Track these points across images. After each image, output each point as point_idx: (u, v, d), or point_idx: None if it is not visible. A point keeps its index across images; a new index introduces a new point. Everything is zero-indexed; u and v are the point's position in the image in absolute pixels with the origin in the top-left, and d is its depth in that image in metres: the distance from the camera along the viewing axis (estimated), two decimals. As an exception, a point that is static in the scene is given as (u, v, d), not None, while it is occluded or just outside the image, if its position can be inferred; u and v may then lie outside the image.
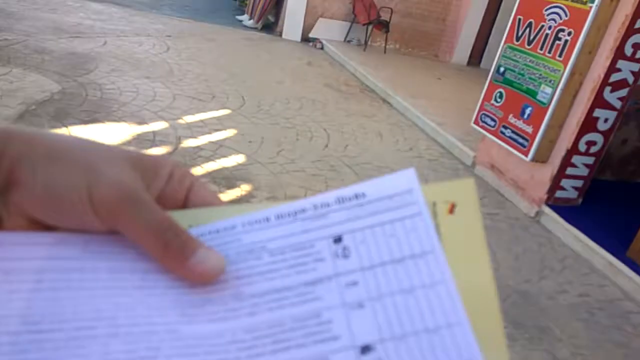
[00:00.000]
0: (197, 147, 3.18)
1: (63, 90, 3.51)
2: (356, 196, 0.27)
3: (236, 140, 3.42)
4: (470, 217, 0.27)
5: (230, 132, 3.52)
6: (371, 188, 0.27)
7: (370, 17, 7.28)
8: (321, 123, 4.18)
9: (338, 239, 0.27)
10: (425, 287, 0.25)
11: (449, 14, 8.29)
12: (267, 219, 0.27)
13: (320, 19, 7.59)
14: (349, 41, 7.83)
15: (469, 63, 8.41)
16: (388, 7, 7.34)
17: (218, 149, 3.21)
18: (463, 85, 6.77)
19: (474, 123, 3.74)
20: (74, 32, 4.97)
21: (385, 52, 7.67)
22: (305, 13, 7.53)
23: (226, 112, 3.90)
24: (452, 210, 0.27)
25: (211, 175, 2.85)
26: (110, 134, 3.04)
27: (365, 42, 7.50)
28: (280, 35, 7.58)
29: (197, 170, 2.87)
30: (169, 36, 5.79)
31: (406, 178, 0.27)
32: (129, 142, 2.99)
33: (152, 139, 3.13)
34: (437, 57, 8.50)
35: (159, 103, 3.71)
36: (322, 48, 7.50)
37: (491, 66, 3.68)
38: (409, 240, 0.26)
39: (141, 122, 3.31)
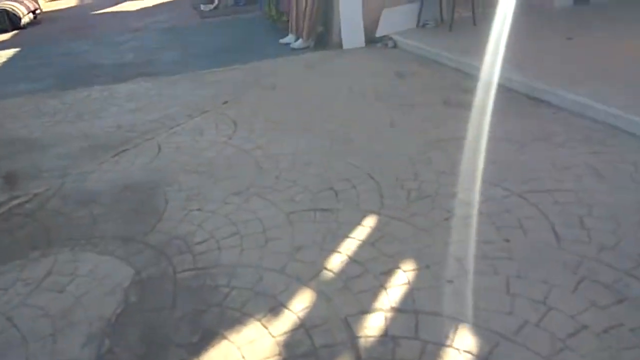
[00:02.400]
0: (385, 336, 1.82)
1: (139, 276, 2.26)
2: None
3: (428, 288, 2.03)
4: None
5: (407, 270, 2.14)
6: None
7: (449, -11, 5.65)
8: (506, 184, 2.72)
9: None
10: None
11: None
12: None
13: (384, 11, 6.03)
14: (423, 25, 6.23)
15: (576, 1, 6.58)
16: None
17: (419, 329, 1.84)
18: (612, 43, 5.02)
19: None
20: (116, 143, 3.76)
21: (475, 23, 6.02)
22: (363, 10, 6.00)
23: (371, 221, 2.52)
24: None
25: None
26: (244, 367, 1.75)
27: (449, 20, 5.86)
28: (340, 46, 6.11)
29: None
30: (225, 102, 4.48)
31: None
32: (284, 381, 1.69)
33: (311, 344, 1.80)
34: (534, 6, 6.72)
35: (278, 246, 2.38)
36: (395, 46, 5.97)
37: None
38: None
39: (276, 309, 1.98)
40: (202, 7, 9.75)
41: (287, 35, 6.58)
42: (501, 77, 4.27)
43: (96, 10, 10.80)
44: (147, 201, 2.91)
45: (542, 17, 6.17)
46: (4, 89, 5.49)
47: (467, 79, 4.47)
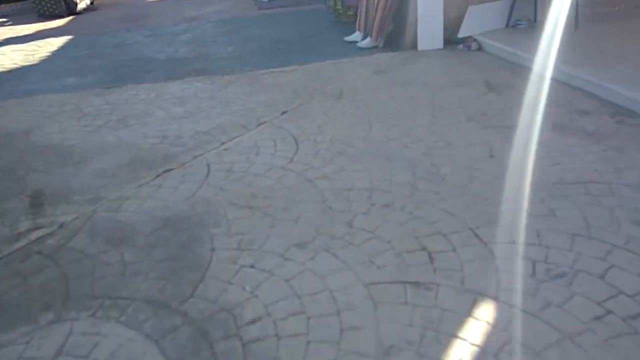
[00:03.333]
0: None
1: (170, 371, 1.70)
2: None
3: None
4: None
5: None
6: None
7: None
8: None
9: None
10: None
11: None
12: None
13: (470, 8, 5.22)
14: (514, 26, 5.37)
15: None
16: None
17: None
18: None
19: None
20: (159, 160, 3.23)
21: (577, 26, 5.09)
22: (444, 5, 5.22)
23: (487, 312, 1.82)
24: None
25: None
26: None
27: (576, 18, 4.95)
28: (415, 47, 5.36)
29: None
30: (284, 112, 3.87)
31: None
32: None
33: None
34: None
35: (358, 341, 1.73)
36: (479, 49, 5.16)
37: None
38: None
39: None
40: (261, -4, 9.21)
41: (354, 32, 5.88)
42: (633, 99, 3.42)
43: (153, -2, 10.48)
44: (189, 246, 2.34)
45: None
46: (51, 82, 5.13)
47: (582, 98, 3.64)
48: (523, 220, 2.32)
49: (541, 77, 4.14)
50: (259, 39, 6.35)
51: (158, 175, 3.04)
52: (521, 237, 2.20)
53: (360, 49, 5.60)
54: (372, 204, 2.56)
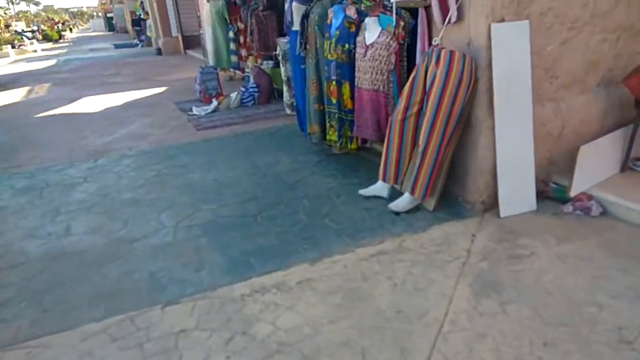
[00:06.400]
0: None
1: None
2: None
3: None
4: None
5: None
6: None
7: None
8: None
9: None
10: None
11: None
12: None
13: (584, 147, 3.19)
14: (633, 167, 3.43)
15: None
16: None
17: None
18: None
19: None
20: None
21: None
22: (535, 148, 3.16)
23: None
24: None
25: None
26: None
27: None
28: (492, 208, 3.20)
29: None
30: None
31: None
32: None
33: None
34: None
35: None
36: (603, 213, 3.09)
37: None
38: None
39: None
40: (195, 109, 6.89)
41: (376, 183, 3.62)
42: None
43: (43, 112, 7.77)
44: None
45: None
46: None
47: None
48: None
49: None
50: (213, 194, 3.88)
51: None
52: None
53: (397, 213, 3.33)
54: None
